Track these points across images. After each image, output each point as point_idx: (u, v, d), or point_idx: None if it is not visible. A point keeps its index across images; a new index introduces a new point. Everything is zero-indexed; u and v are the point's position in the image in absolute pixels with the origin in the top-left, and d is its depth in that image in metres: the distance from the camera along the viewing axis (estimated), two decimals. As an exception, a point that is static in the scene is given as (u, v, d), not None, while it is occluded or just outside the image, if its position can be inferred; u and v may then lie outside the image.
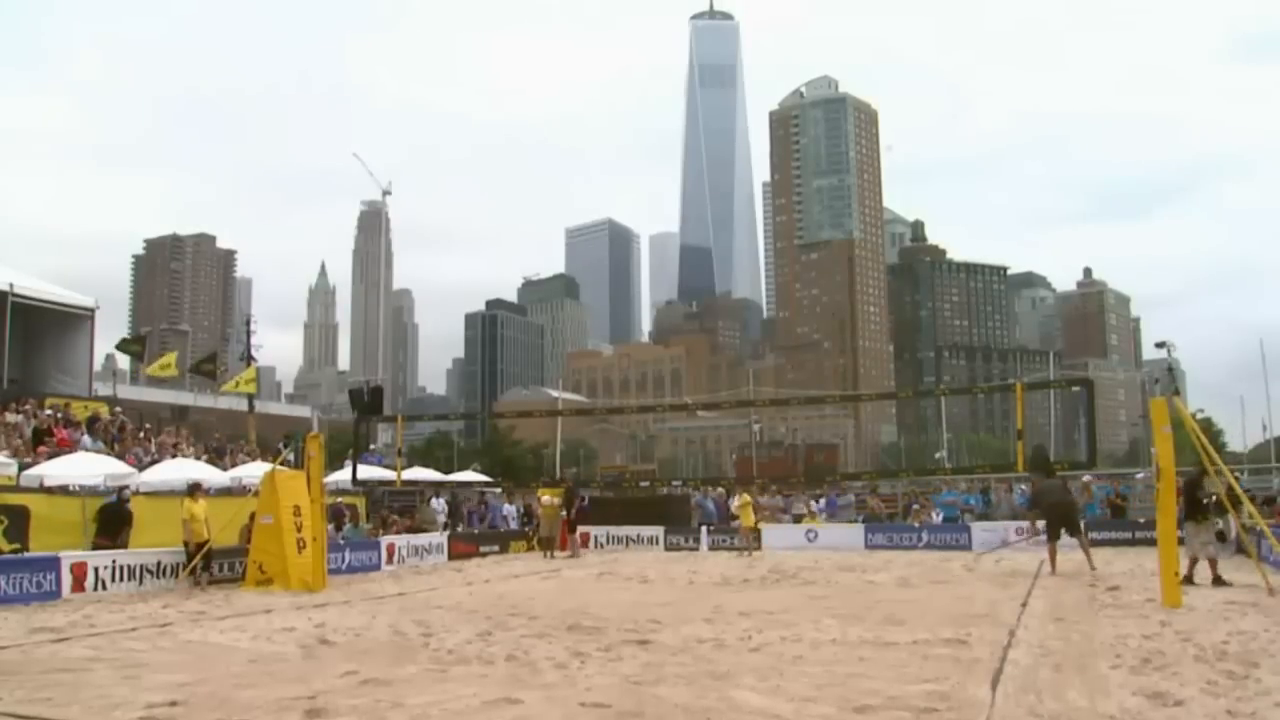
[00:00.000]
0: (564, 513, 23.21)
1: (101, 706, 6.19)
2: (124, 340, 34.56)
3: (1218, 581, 12.61)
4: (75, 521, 15.93)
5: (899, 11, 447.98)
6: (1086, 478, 25.48)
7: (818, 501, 27.72)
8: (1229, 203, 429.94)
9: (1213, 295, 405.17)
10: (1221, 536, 17.78)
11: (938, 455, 69.52)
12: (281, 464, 18.29)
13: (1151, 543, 14.22)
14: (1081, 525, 16.92)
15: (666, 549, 25.03)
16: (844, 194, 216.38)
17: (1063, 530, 15.93)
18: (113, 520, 15.61)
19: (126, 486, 16.68)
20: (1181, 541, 12.36)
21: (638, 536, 25.75)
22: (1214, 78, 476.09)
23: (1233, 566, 15.25)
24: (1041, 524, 17.47)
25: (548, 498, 23.26)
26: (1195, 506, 12.72)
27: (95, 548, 15.04)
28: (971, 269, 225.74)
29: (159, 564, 15.07)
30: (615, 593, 14.33)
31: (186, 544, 15.09)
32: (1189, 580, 12.57)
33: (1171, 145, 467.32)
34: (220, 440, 26.69)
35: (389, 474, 23.79)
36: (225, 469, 21.31)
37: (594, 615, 10.88)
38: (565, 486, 24.86)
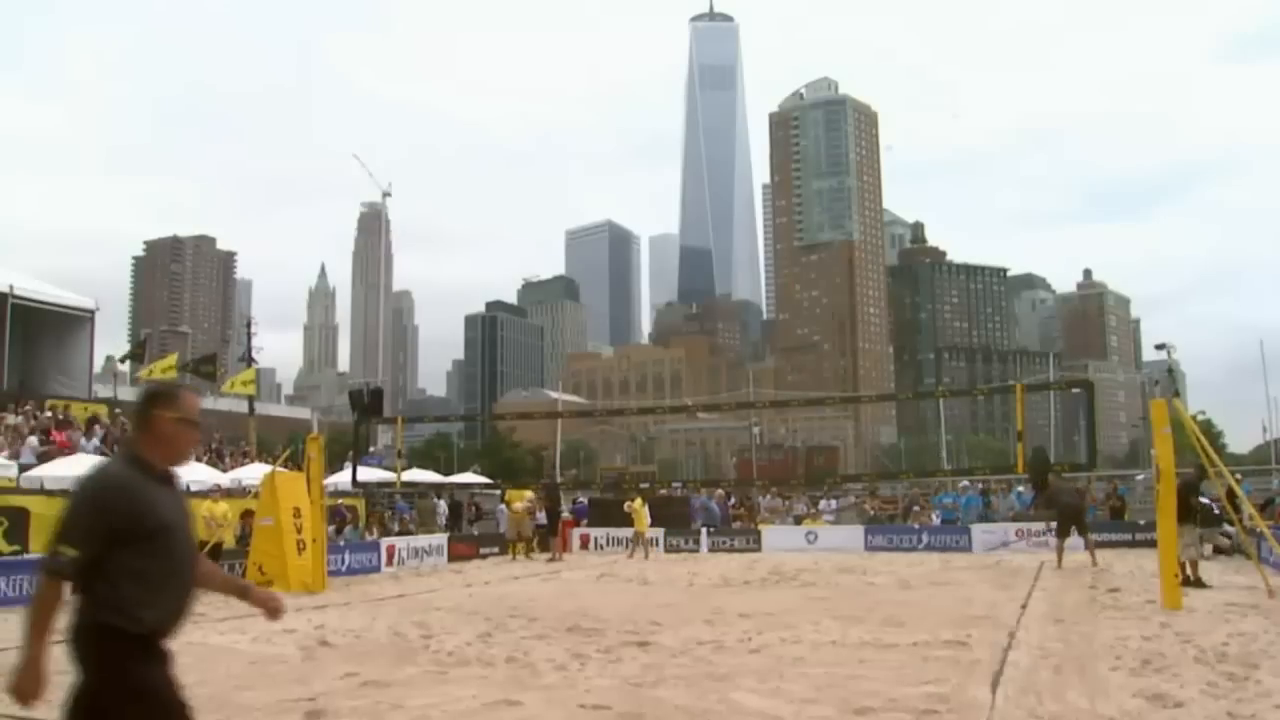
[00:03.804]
0: (539, 514, 23.47)
1: (101, 708, 6.18)
2: (127, 352, 34.64)
3: (1196, 583, 12.63)
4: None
5: (898, 13, 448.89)
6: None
7: (817, 505, 27.80)
8: (1227, 203, 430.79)
9: (1211, 296, 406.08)
10: (1228, 539, 17.84)
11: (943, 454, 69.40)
12: (281, 466, 18.30)
13: (1152, 544, 14.23)
14: (1088, 525, 18.55)
15: (666, 550, 25.00)
16: (844, 195, 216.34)
17: (1072, 529, 17.48)
18: None
19: None
20: None
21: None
22: (1211, 78, 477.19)
23: (1233, 568, 15.29)
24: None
25: (520, 502, 23.36)
26: (1184, 509, 12.65)
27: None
28: (971, 270, 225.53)
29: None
30: (615, 594, 14.33)
31: (204, 542, 15.17)
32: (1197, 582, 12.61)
33: (1170, 145, 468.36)
34: (220, 442, 26.71)
35: (389, 476, 23.80)
36: (225, 470, 21.32)
37: (594, 617, 10.88)
38: (544, 485, 24.98)
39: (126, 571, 2.78)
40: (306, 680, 7.10)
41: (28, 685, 2.73)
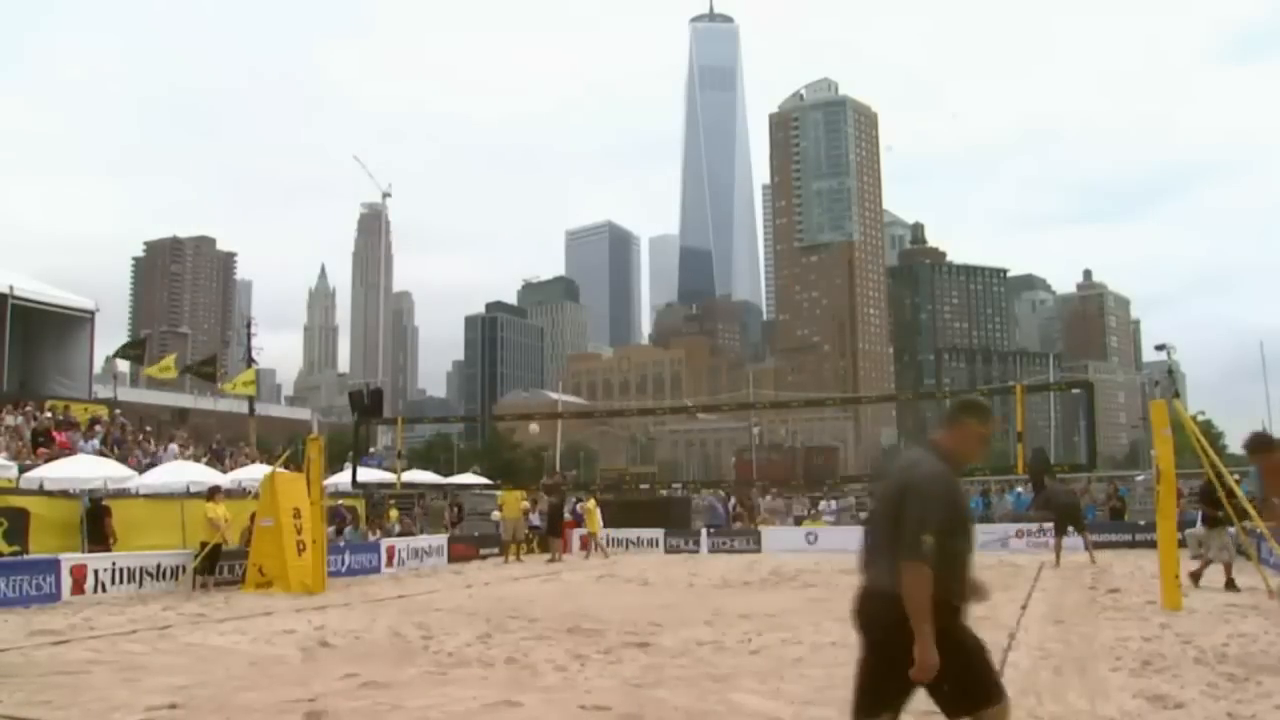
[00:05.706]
0: (533, 516, 23.55)
1: (101, 709, 6.18)
2: (123, 346, 34.58)
3: (1230, 586, 12.61)
4: (74, 524, 15.94)
5: (898, 13, 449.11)
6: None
7: (817, 506, 27.82)
8: (1227, 203, 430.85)
9: (1211, 296, 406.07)
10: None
11: None
12: (281, 467, 18.28)
13: (1152, 545, 14.22)
14: (1085, 524, 19.14)
15: (666, 551, 25.02)
16: (844, 196, 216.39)
17: (1069, 527, 18.17)
18: (98, 523, 15.69)
19: (93, 492, 16.77)
20: (1183, 544, 12.43)
21: (637, 539, 25.75)
22: (1211, 78, 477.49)
23: (1233, 569, 15.26)
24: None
25: (519, 502, 23.39)
26: (1214, 511, 12.58)
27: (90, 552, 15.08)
28: (971, 271, 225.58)
29: (159, 567, 15.07)
30: (615, 595, 14.32)
31: (204, 544, 15.17)
32: (1196, 582, 12.60)
33: (1170, 145, 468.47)
34: (220, 443, 26.70)
35: (389, 476, 23.78)
36: (225, 471, 21.30)
37: (594, 618, 10.86)
38: (545, 486, 25.08)
39: (947, 555, 3.24)
40: (306, 681, 7.10)
41: (929, 660, 3.16)
